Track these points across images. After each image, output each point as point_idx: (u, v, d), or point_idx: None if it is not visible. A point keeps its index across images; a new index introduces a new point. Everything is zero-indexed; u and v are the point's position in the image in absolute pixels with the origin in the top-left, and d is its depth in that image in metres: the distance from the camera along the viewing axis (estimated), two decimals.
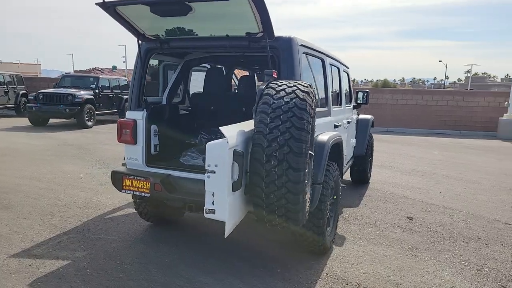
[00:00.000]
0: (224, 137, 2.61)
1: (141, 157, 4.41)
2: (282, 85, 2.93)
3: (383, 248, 4.71)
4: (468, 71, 65.54)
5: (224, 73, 6.00)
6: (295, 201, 2.66)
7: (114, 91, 17.50)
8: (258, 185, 2.79)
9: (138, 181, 4.24)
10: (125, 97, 17.44)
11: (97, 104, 16.10)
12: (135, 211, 5.70)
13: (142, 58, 4.34)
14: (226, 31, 3.88)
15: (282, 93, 2.77)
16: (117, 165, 5.18)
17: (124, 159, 4.72)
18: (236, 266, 4.16)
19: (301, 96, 2.75)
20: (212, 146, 2.45)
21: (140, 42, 4.25)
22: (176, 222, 5.48)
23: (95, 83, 16.50)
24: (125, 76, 31.40)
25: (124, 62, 56.13)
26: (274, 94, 2.78)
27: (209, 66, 5.87)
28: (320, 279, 3.93)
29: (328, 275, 4.02)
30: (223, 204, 2.46)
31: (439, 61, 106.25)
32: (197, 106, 5.43)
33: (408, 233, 5.36)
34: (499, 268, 4.34)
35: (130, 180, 4.29)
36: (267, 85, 3.07)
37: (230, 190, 2.59)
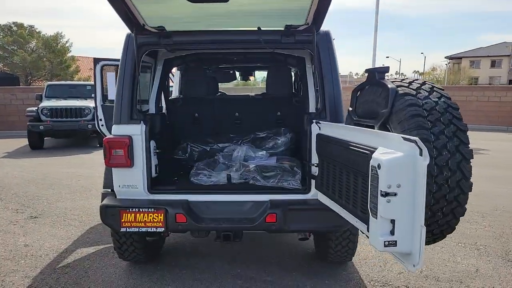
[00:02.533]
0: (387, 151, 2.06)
1: (141, 182, 3.45)
2: (410, 82, 2.53)
3: None
4: None
5: (208, 73, 5.16)
6: (461, 215, 2.32)
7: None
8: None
9: (146, 214, 3.32)
10: None
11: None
12: (93, 250, 4.66)
13: (138, 55, 3.38)
14: (259, 23, 3.27)
15: (424, 92, 2.39)
16: (95, 197, 3.95)
17: (105, 188, 3.66)
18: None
19: (446, 95, 2.41)
20: (394, 161, 1.90)
21: (135, 34, 3.30)
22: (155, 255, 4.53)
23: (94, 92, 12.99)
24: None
25: None
26: (417, 94, 2.37)
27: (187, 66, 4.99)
28: None
29: (373, 283, 3.80)
30: (411, 233, 1.94)
31: None
32: (178, 114, 4.55)
33: None
34: None
35: (133, 214, 3.33)
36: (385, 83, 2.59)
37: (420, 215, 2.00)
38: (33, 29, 35.74)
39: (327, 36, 3.43)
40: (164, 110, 4.62)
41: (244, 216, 3.38)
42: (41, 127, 12.14)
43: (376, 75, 2.65)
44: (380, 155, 1.93)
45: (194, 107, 4.56)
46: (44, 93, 13.74)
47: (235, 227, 3.33)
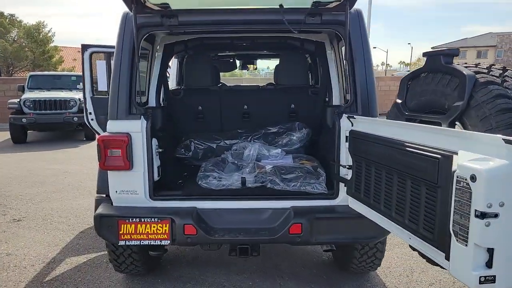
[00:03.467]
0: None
1: (142, 187, 2.97)
2: (489, 68, 2.07)
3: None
4: None
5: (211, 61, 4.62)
6: None
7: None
8: None
9: (149, 225, 2.86)
10: None
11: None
12: (84, 260, 4.18)
13: (137, 38, 2.87)
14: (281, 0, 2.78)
15: (510, 80, 1.93)
16: (89, 204, 3.43)
17: (99, 193, 3.17)
18: None
19: None
20: (498, 172, 1.41)
21: (134, 13, 2.78)
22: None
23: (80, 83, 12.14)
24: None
25: None
26: (503, 82, 1.92)
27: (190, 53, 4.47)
28: None
29: None
30: None
31: None
32: (179, 106, 4.05)
33: None
34: None
35: (133, 225, 2.86)
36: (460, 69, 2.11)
37: None
38: (14, 18, 34.40)
39: (359, 15, 2.97)
40: (163, 103, 4.12)
41: (263, 226, 2.94)
42: (24, 120, 11.43)
43: (441, 59, 2.18)
44: (474, 164, 1.47)
45: (197, 99, 4.06)
46: (26, 84, 12.91)
47: (253, 239, 2.87)
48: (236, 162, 3.59)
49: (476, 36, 68.84)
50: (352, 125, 2.78)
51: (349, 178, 2.80)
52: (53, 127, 12.44)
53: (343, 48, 3.05)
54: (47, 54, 34.41)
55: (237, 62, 6.24)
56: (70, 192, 6.76)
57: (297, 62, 4.04)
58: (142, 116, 2.94)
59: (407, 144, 2.04)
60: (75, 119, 11.54)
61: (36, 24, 34.41)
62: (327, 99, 3.97)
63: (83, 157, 9.53)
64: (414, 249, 2.17)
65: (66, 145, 11.55)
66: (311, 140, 3.97)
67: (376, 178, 2.38)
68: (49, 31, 35.29)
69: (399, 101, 2.53)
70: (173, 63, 5.46)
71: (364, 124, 2.61)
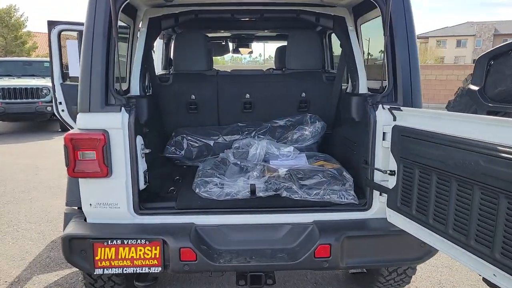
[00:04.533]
0: None
1: (125, 199, 2.33)
2: None
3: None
4: None
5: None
6: None
7: None
8: None
9: (134, 248, 2.24)
10: None
11: None
12: (55, 278, 3.51)
13: (115, 6, 2.18)
14: None
15: None
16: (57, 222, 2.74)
17: (70, 205, 2.52)
18: None
19: None
20: None
21: None
22: None
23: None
24: None
25: None
26: None
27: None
28: None
29: None
30: None
31: None
32: (167, 95, 3.36)
33: None
34: None
35: (113, 249, 2.23)
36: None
37: None
38: None
39: None
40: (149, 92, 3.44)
41: (280, 246, 2.34)
42: None
43: None
44: None
45: (189, 86, 3.38)
46: None
47: (269, 265, 2.26)
48: (239, 163, 2.96)
49: (455, 25, 69.27)
50: (395, 119, 2.18)
51: (391, 187, 2.20)
52: (24, 118, 11.47)
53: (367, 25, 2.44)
54: (19, 39, 32.67)
55: (230, 45, 5.53)
56: (42, 191, 5.99)
57: (310, 41, 3.39)
58: (122, 108, 2.28)
59: (501, 148, 1.45)
60: (49, 108, 10.53)
61: (7, 8, 32.57)
62: (344, 86, 3.37)
63: (58, 150, 8.66)
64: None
65: (39, 137, 10.66)
66: (324, 136, 3.37)
67: (442, 191, 1.79)
68: (21, 15, 33.48)
69: (473, 87, 1.92)
70: (158, 45, 4.73)
71: (417, 118, 2.01)
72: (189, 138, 3.23)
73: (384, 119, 2.29)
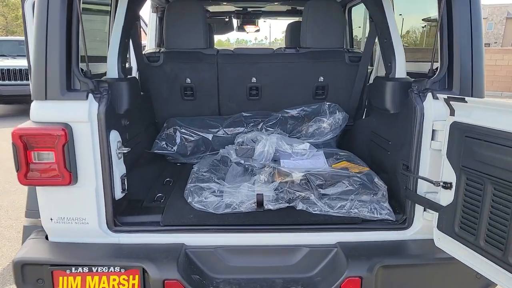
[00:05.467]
0: None
1: (95, 212, 1.82)
2: None
3: None
4: None
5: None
6: None
7: None
8: None
9: (106, 277, 1.72)
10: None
11: None
12: None
13: None
14: None
15: None
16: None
17: (30, 216, 2.01)
18: None
19: None
20: None
21: None
22: None
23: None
24: None
25: None
26: None
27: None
28: None
29: None
30: None
31: None
32: (157, 78, 2.79)
33: None
34: None
35: (78, 278, 1.74)
36: None
37: None
38: None
39: None
40: (135, 74, 2.88)
41: (293, 275, 1.82)
42: None
43: None
44: None
45: (184, 67, 2.81)
46: None
47: None
48: (242, 162, 2.42)
49: None
50: (453, 113, 1.61)
51: (444, 203, 1.66)
52: (19, 100, 10.96)
53: None
54: (21, 19, 32.03)
55: (234, 21, 4.90)
56: None
57: (330, 13, 2.77)
58: (90, 95, 1.73)
59: None
60: None
61: None
62: (370, 68, 2.80)
63: None
64: None
65: None
66: (344, 130, 2.82)
67: None
68: None
69: None
70: (151, 21, 4.12)
71: (490, 114, 1.44)
72: (183, 130, 2.68)
73: (435, 113, 1.74)
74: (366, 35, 2.93)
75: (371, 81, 2.98)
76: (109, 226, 1.85)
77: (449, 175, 1.63)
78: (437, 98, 1.73)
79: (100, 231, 1.83)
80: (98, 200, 1.81)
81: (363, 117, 3.04)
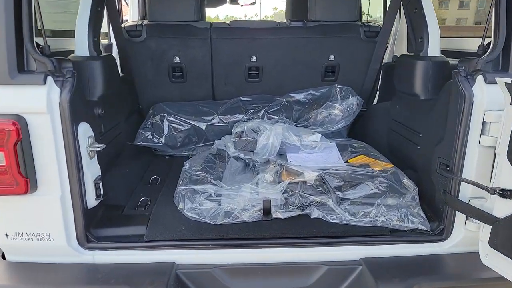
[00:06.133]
0: None
1: (61, 226, 1.47)
2: None
3: None
4: None
5: None
6: None
7: None
8: None
9: None
10: None
11: None
12: None
13: None
14: None
15: None
16: None
17: None
18: None
19: None
20: None
21: None
22: None
23: None
24: None
25: None
26: None
27: None
28: None
29: None
30: None
31: None
32: (139, 56, 2.37)
33: None
34: None
35: None
36: None
37: None
38: None
39: None
40: (113, 51, 2.46)
41: None
42: None
43: None
44: None
45: (171, 43, 2.39)
46: None
47: None
48: (242, 157, 2.06)
49: None
50: None
51: (500, 215, 1.32)
52: None
53: None
54: None
55: None
56: None
57: None
58: (49, 77, 1.34)
59: None
60: None
61: None
62: (388, 44, 2.44)
63: None
64: None
65: None
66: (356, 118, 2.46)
67: None
68: None
69: None
70: None
71: None
72: (171, 119, 2.29)
73: (487, 101, 1.38)
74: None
75: (385, 60, 2.62)
76: (81, 242, 1.49)
77: (508, 180, 1.29)
78: (490, 82, 1.37)
79: (69, 248, 1.47)
80: (65, 211, 1.44)
81: (375, 102, 2.69)
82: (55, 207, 1.43)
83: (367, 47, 2.39)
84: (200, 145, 2.35)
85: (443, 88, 1.60)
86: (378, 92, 2.70)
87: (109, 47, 2.87)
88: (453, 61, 1.84)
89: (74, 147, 1.41)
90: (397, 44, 2.61)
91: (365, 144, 2.22)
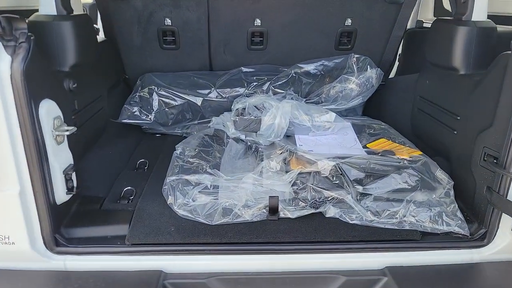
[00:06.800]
0: None
1: (23, 227, 1.21)
2: None
3: None
4: None
5: None
6: None
7: None
8: None
9: None
10: None
11: None
12: None
13: None
14: None
15: None
16: None
17: None
18: None
19: None
20: None
21: None
22: None
23: None
24: None
25: None
26: None
27: None
28: None
29: None
30: None
31: None
32: (122, 17, 2.03)
33: None
34: None
35: None
36: None
37: None
38: None
39: None
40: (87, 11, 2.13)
41: None
42: None
43: None
44: None
45: (161, 2, 2.04)
46: None
47: None
48: (243, 138, 1.78)
49: None
50: None
51: None
52: None
53: None
54: None
55: None
56: None
57: None
58: None
59: None
60: None
61: None
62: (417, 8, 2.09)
63: None
64: None
65: None
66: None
67: None
68: None
69: None
70: None
71: None
72: (162, 92, 1.99)
73: None
74: None
75: (408, 26, 2.28)
76: (48, 246, 1.24)
77: None
78: None
79: (33, 253, 1.22)
80: (25, 209, 1.18)
81: (392, 75, 2.38)
82: (13, 205, 1.16)
83: (391, 10, 2.04)
84: (195, 122, 2.07)
85: (496, 62, 1.29)
86: (397, 63, 2.38)
87: (93, 7, 2.52)
88: (500, 28, 1.53)
89: (34, 131, 1.13)
90: (422, 8, 2.27)
91: (384, 124, 1.93)
